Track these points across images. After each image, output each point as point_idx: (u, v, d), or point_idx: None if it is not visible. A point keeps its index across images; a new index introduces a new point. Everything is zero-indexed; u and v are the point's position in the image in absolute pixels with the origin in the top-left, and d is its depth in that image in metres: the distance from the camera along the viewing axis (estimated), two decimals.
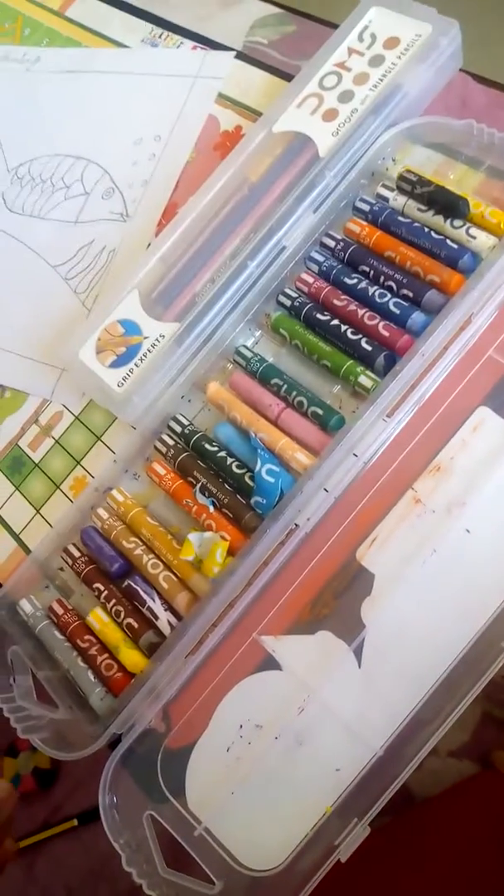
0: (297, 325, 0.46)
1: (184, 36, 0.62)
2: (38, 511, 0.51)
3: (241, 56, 0.59)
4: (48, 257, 0.59)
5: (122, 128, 0.60)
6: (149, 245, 0.54)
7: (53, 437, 0.53)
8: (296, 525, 0.42)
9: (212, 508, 0.44)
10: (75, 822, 0.47)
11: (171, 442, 0.46)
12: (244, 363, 0.46)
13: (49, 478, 0.52)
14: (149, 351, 0.47)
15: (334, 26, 0.54)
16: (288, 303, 0.47)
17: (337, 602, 0.40)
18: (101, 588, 0.45)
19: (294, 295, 0.47)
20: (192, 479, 0.45)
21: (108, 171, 0.59)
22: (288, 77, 0.57)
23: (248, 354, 0.46)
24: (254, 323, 0.48)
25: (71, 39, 0.67)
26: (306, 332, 0.45)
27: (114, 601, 0.44)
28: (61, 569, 0.48)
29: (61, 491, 0.51)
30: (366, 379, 0.43)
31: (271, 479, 0.43)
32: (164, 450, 0.46)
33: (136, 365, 0.47)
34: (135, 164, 0.58)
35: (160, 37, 0.63)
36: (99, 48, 0.65)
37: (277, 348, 0.47)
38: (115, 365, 0.48)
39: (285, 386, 0.44)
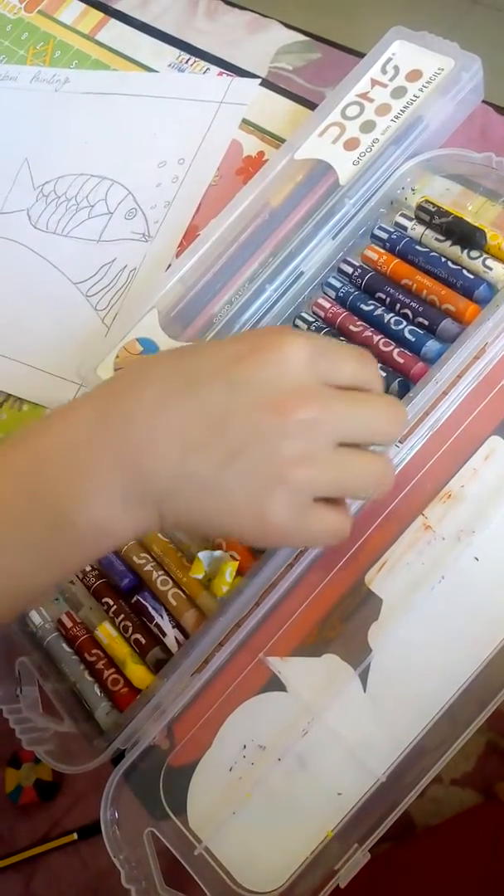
0: None
1: (210, 62, 0.64)
2: None
3: (265, 83, 0.61)
4: (70, 274, 0.60)
5: (147, 150, 0.62)
6: (169, 266, 0.55)
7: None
8: (305, 547, 0.42)
9: None
10: (75, 836, 0.47)
11: None
12: None
13: None
14: None
15: (358, 54, 0.55)
16: (304, 327, 0.47)
17: (344, 626, 0.41)
18: (111, 602, 0.45)
19: (311, 319, 0.47)
20: None
21: (131, 191, 0.60)
22: (311, 104, 0.58)
23: None
24: None
25: (100, 62, 0.68)
26: None
27: (122, 616, 0.45)
28: (71, 582, 0.49)
29: None
30: None
31: None
32: None
33: None
34: (158, 186, 0.60)
35: (187, 62, 0.64)
36: (127, 72, 0.67)
37: None
38: None
39: None
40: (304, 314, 0.48)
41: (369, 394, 0.34)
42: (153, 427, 0.31)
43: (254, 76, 0.61)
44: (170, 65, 0.65)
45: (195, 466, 0.31)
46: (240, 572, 0.43)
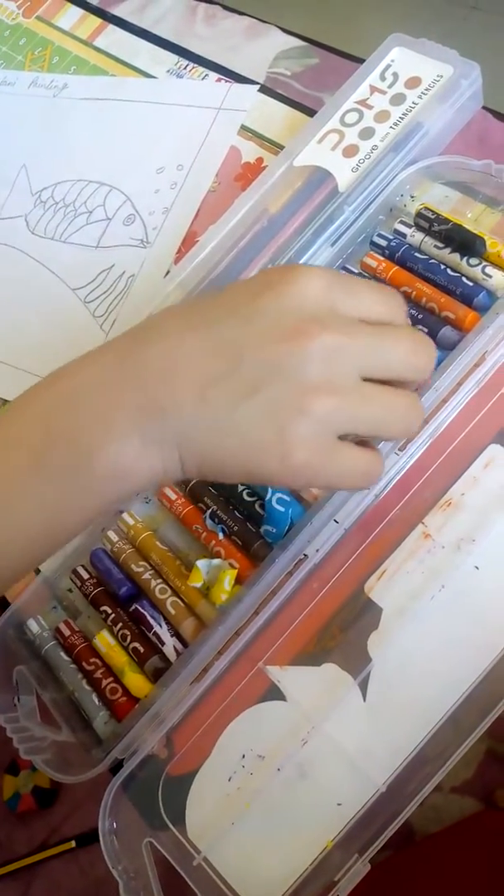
0: None
1: (209, 68, 0.64)
2: None
3: (264, 89, 0.60)
4: (68, 280, 0.60)
5: (146, 156, 0.62)
6: (168, 272, 0.55)
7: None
8: (305, 555, 0.42)
9: (221, 535, 0.44)
10: (73, 843, 0.47)
11: None
12: None
13: None
14: None
15: (357, 60, 0.55)
16: None
17: (343, 634, 0.40)
18: (109, 611, 0.45)
19: None
20: (202, 505, 0.45)
21: (130, 197, 0.60)
22: (309, 110, 0.58)
23: None
24: None
25: (98, 68, 0.68)
26: None
27: (121, 625, 0.45)
28: (70, 590, 0.49)
29: None
30: None
31: (281, 509, 0.43)
32: None
33: None
34: (157, 192, 0.60)
35: (186, 68, 0.64)
36: (125, 77, 0.67)
37: None
38: None
39: None
40: None
41: (393, 326, 0.33)
42: (170, 364, 0.31)
43: (252, 82, 0.61)
44: (168, 71, 0.65)
45: (213, 402, 0.30)
46: (239, 580, 0.43)
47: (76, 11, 0.73)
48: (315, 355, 0.30)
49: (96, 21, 0.71)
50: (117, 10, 0.71)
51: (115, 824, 0.40)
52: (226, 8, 0.68)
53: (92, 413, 0.31)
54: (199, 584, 0.43)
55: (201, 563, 0.43)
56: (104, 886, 0.44)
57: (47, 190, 0.64)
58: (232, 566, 0.43)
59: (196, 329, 0.32)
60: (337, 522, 0.42)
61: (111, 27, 0.70)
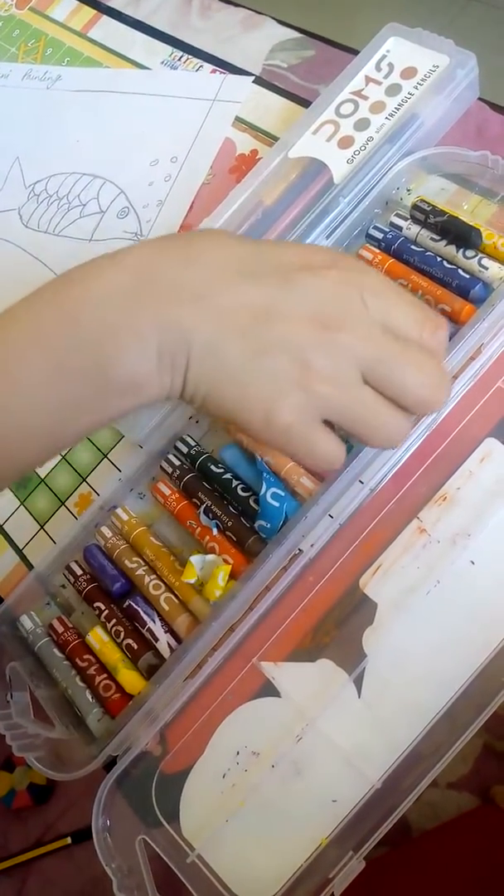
0: None
1: (203, 59, 0.63)
2: (42, 527, 0.51)
3: (259, 81, 0.60)
4: None
5: (140, 148, 0.61)
6: None
7: (60, 454, 0.53)
8: (299, 550, 0.41)
9: (215, 531, 0.44)
10: (69, 840, 0.47)
11: (177, 462, 0.46)
12: None
13: (54, 493, 0.52)
14: None
15: (353, 52, 0.55)
16: None
17: (338, 630, 0.40)
18: (102, 607, 0.45)
19: None
20: (196, 501, 0.45)
21: (124, 190, 0.60)
22: (305, 102, 0.57)
23: None
24: None
25: (91, 59, 0.68)
26: None
27: (114, 621, 0.44)
28: (63, 586, 0.48)
29: (66, 507, 0.51)
30: None
31: (276, 504, 0.42)
32: (169, 470, 0.46)
33: None
34: (151, 185, 0.59)
35: (180, 59, 0.64)
36: (119, 69, 0.66)
37: None
38: None
39: None
40: None
41: (419, 351, 0.34)
42: (205, 294, 0.32)
43: (248, 74, 0.61)
44: (162, 62, 0.65)
45: (229, 348, 0.32)
46: (233, 576, 0.42)
47: (70, 2, 0.72)
48: (328, 348, 0.32)
49: (90, 12, 0.71)
50: (112, 2, 0.70)
51: (108, 822, 0.40)
52: (221, 0, 0.67)
53: (115, 323, 0.31)
54: (193, 580, 0.43)
55: (195, 559, 0.43)
56: (100, 884, 0.44)
57: (41, 183, 0.64)
58: (226, 562, 0.43)
59: (238, 271, 0.33)
60: (332, 517, 0.41)
61: (105, 18, 0.70)
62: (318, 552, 0.41)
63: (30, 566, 0.51)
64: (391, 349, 0.33)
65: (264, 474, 0.43)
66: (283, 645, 0.41)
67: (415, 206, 0.46)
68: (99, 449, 0.52)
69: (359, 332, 0.32)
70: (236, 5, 0.66)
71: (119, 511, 0.47)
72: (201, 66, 0.63)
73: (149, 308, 0.31)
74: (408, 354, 0.33)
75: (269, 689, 0.40)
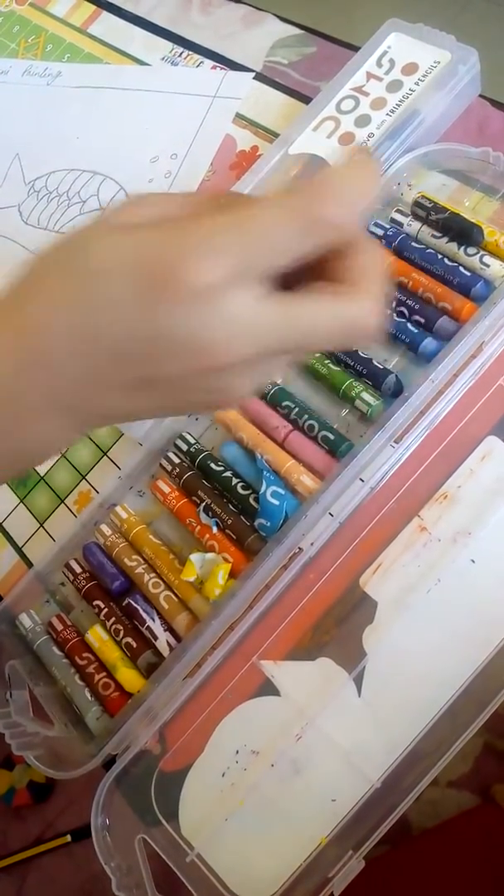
0: None
1: (204, 55, 0.63)
2: (41, 525, 0.51)
3: (259, 77, 0.60)
4: None
5: (140, 145, 0.61)
6: None
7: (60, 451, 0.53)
8: (299, 549, 0.41)
9: (215, 529, 0.43)
10: (68, 838, 0.47)
11: (176, 460, 0.46)
12: None
13: (54, 491, 0.52)
14: None
15: (355, 48, 0.54)
16: None
17: (338, 629, 0.40)
18: (102, 605, 0.45)
19: None
20: (196, 499, 0.45)
21: (124, 186, 0.60)
22: (306, 98, 0.57)
23: None
24: None
25: (92, 55, 0.68)
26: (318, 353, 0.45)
27: (113, 619, 0.44)
28: (62, 584, 0.48)
29: (65, 505, 0.51)
30: (368, 397, 0.42)
31: (276, 502, 0.42)
32: (169, 468, 0.46)
33: None
34: (151, 182, 0.59)
35: (181, 56, 0.64)
36: (120, 65, 0.66)
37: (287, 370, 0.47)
38: None
39: (296, 409, 0.44)
40: None
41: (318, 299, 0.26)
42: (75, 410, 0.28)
43: (248, 70, 0.60)
44: (163, 58, 0.64)
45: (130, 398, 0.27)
46: (232, 575, 0.42)
47: None
48: (219, 379, 0.26)
49: (90, 8, 0.70)
50: None
51: (107, 820, 0.40)
52: None
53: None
54: (192, 579, 0.43)
55: (195, 557, 0.43)
56: (100, 881, 0.44)
57: (41, 179, 0.64)
58: (226, 560, 0.42)
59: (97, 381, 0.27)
60: (332, 515, 0.41)
61: (105, 14, 0.69)
62: (319, 551, 0.41)
63: (29, 564, 0.51)
64: (289, 328, 0.26)
65: (264, 472, 0.43)
66: (283, 643, 0.41)
67: (416, 203, 0.46)
68: (98, 447, 0.52)
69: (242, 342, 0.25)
70: (237, 1, 0.66)
71: (118, 509, 0.47)
72: (202, 62, 0.62)
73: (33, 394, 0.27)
74: (309, 320, 0.26)
75: (268, 688, 0.40)
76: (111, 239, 0.26)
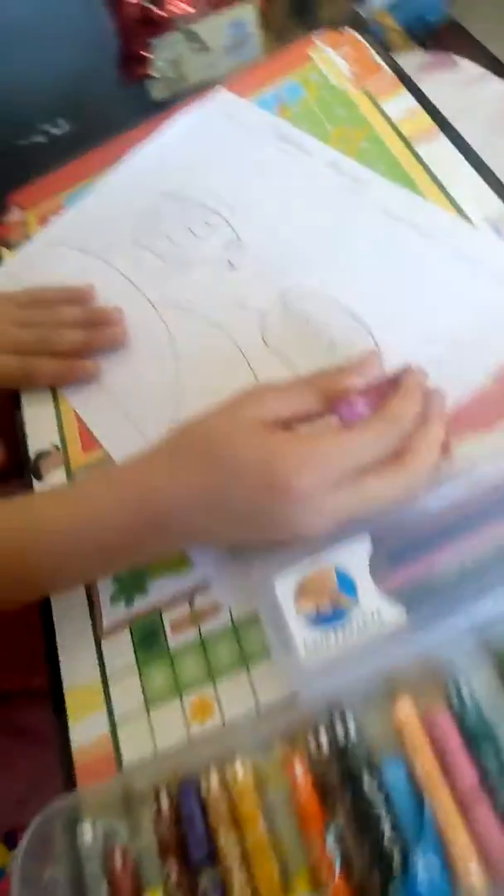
0: None
1: None
2: (147, 710, 0.44)
3: None
4: None
5: (416, 312, 0.52)
6: None
7: (199, 631, 0.45)
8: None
9: (338, 868, 0.35)
10: None
11: (325, 742, 0.38)
12: (456, 701, 0.37)
13: (175, 676, 0.44)
14: (357, 627, 0.39)
15: None
16: None
17: None
18: (173, 869, 0.37)
19: None
20: (329, 806, 0.36)
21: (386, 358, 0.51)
22: None
23: (465, 692, 0.37)
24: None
25: (407, 177, 0.59)
26: None
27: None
28: (142, 803, 0.41)
29: (181, 703, 0.43)
30: None
31: (425, 878, 0.33)
32: (313, 745, 0.38)
33: (334, 635, 0.39)
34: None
35: None
36: (431, 202, 0.57)
37: None
38: (313, 622, 0.40)
39: (497, 764, 0.35)
40: None
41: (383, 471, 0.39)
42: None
43: None
44: (485, 218, 0.55)
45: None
46: None
47: (408, 100, 0.64)
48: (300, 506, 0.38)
49: (428, 122, 0.62)
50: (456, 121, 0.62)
51: None
52: None
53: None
54: None
55: None
56: None
57: (292, 293, 0.56)
58: None
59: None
60: None
61: (442, 137, 0.61)
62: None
63: (116, 742, 0.43)
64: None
65: (427, 830, 0.34)
66: None
67: None
68: (243, 651, 0.43)
69: (313, 479, 0.38)
70: None
71: (238, 762, 0.39)
72: None
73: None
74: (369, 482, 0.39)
75: None
76: (250, 441, 0.39)
